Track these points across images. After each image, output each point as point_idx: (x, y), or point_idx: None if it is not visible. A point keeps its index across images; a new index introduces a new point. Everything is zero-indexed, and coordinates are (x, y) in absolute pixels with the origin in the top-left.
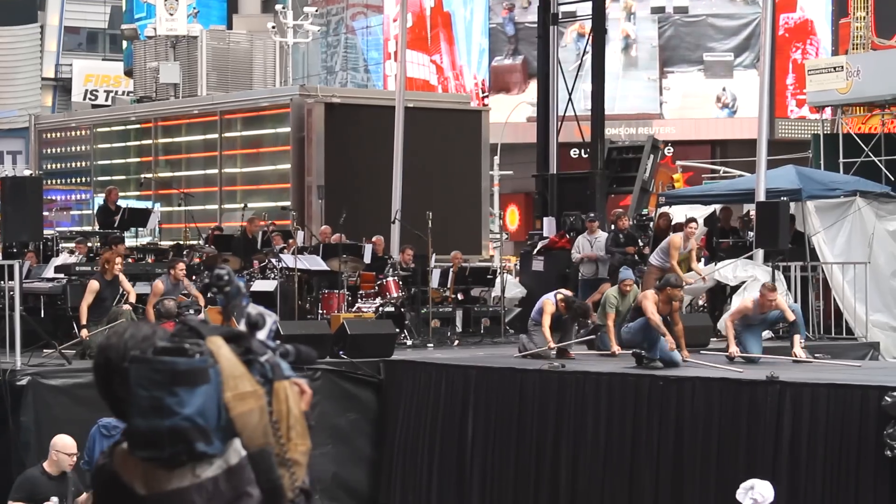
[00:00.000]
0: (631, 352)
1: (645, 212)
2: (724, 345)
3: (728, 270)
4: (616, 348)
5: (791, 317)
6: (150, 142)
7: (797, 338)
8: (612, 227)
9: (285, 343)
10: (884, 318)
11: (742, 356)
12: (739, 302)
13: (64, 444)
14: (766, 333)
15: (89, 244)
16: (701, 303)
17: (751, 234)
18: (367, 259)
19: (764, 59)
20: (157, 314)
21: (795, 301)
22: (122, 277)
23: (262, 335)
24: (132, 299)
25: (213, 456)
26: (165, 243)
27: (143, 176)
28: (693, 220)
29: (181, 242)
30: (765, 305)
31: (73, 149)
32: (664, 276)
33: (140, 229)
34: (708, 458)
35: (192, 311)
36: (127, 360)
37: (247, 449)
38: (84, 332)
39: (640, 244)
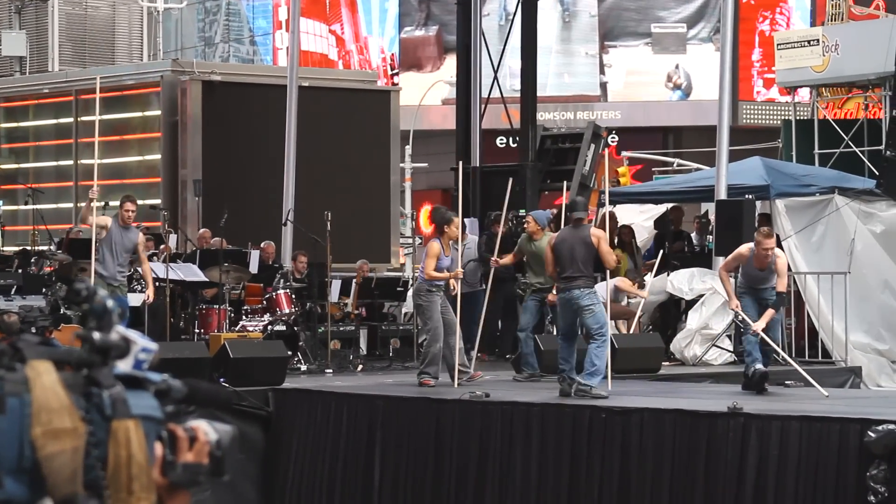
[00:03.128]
0: (560, 375)
1: (522, 212)
2: (682, 369)
3: (683, 282)
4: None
5: (782, 287)
6: None
7: (771, 312)
8: (485, 232)
9: (172, 377)
10: (866, 339)
11: (745, 317)
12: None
13: None
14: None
15: None
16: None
17: (709, 238)
18: (254, 268)
19: (725, 30)
20: None
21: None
22: None
23: (125, 365)
24: None
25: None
26: (8, 249)
27: None
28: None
29: (28, 248)
30: (761, 257)
31: None
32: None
33: None
34: (658, 502)
35: (37, 329)
36: None
37: (52, 497)
38: None
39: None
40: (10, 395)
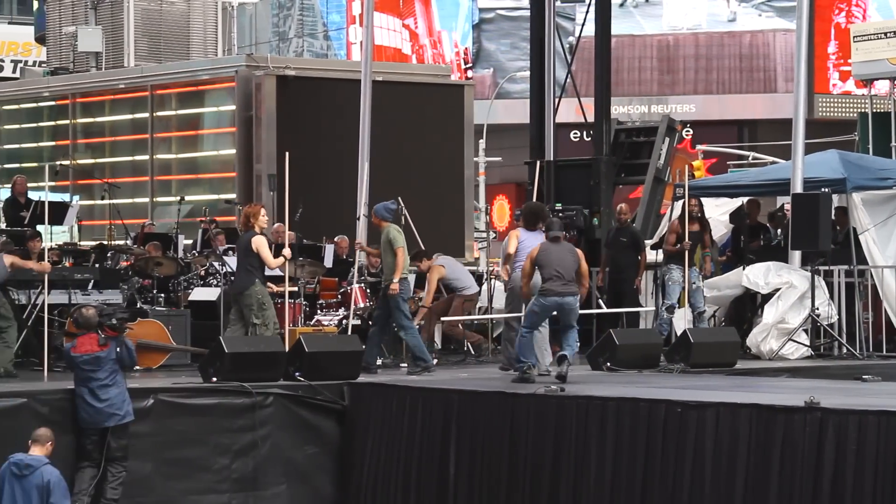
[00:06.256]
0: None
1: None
2: (758, 364)
3: (759, 276)
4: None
5: None
6: (66, 122)
7: None
8: None
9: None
10: None
11: None
12: None
13: None
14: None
15: None
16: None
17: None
18: (329, 262)
19: (800, 22)
20: (76, 323)
21: (839, 313)
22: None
23: None
24: None
25: None
26: (86, 243)
27: (58, 163)
28: None
29: (105, 242)
30: None
31: None
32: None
33: (55, 227)
34: (732, 500)
35: (115, 321)
36: None
37: None
38: None
39: None
40: None
